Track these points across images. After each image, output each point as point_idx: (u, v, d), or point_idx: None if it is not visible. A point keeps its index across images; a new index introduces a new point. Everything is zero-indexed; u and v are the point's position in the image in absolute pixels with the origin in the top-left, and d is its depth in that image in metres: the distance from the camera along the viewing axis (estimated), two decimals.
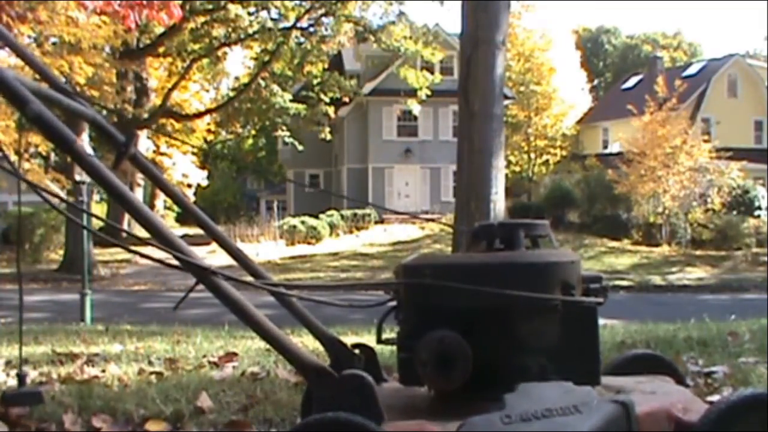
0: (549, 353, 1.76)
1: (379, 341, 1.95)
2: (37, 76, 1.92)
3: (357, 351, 1.93)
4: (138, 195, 32.91)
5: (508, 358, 1.73)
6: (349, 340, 2.06)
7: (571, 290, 1.78)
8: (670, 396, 1.83)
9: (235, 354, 3.71)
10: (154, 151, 33.08)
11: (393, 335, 1.91)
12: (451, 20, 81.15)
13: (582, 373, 1.74)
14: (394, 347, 1.87)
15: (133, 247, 1.92)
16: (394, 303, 1.89)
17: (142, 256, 1.82)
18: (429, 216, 31.86)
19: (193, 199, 37.30)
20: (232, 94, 31.35)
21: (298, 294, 2.09)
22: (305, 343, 4.34)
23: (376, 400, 1.65)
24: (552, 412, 1.56)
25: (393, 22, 23.93)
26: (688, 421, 1.69)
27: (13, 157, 14.98)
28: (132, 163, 1.87)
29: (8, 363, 3.59)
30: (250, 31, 23.05)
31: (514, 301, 1.71)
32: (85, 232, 14.45)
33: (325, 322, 2.03)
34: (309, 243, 27.44)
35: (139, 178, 27.19)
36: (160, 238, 1.65)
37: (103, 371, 3.16)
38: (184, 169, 35.00)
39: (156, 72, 29.01)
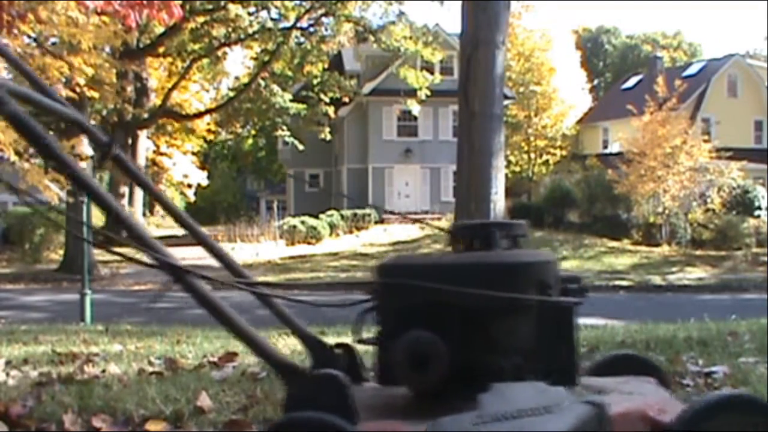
0: (525, 353, 1.75)
1: (359, 341, 1.95)
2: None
3: (338, 351, 1.93)
4: (138, 195, 32.90)
5: (484, 358, 1.73)
6: (333, 340, 2.06)
7: (548, 290, 1.77)
8: (647, 397, 1.82)
9: (235, 354, 3.70)
10: (154, 151, 33.09)
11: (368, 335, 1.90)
12: (451, 20, 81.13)
13: (558, 374, 1.74)
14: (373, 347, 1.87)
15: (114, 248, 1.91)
16: (371, 303, 1.88)
17: (121, 255, 1.81)
18: (429, 218, 31.86)
19: (193, 198, 37.27)
20: (232, 94, 31.35)
21: (279, 294, 2.08)
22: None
23: (351, 399, 1.64)
24: (522, 412, 1.55)
25: (393, 22, 23.93)
26: (662, 421, 1.69)
27: (13, 158, 14.96)
28: (115, 163, 1.87)
29: (8, 363, 3.59)
30: (250, 31, 23.05)
31: (490, 301, 1.70)
32: (85, 232, 14.41)
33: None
34: (309, 243, 27.44)
35: None
36: (135, 237, 1.65)
37: (103, 371, 3.16)
38: (184, 169, 35.01)
39: (156, 72, 29.00)
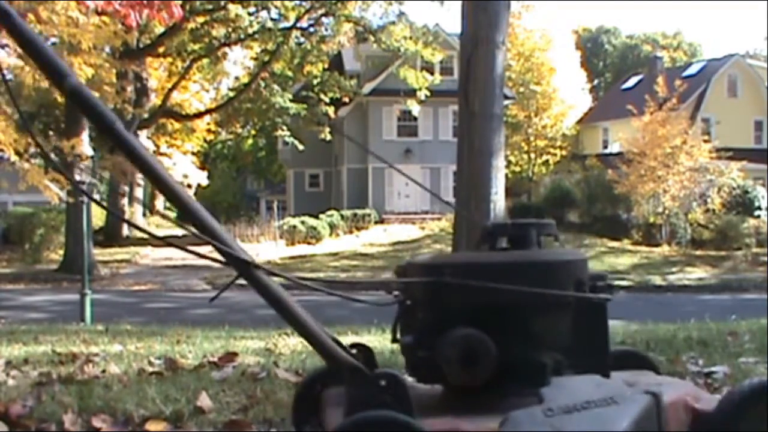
0: (564, 348, 1.79)
1: (394, 340, 1.96)
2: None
3: (355, 351, 1.94)
4: (138, 195, 32.93)
5: (529, 354, 1.75)
6: (348, 339, 2.06)
7: (583, 287, 1.81)
8: (682, 387, 1.86)
9: (235, 354, 3.70)
10: (154, 152, 33.08)
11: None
12: (451, 20, 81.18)
13: (594, 367, 1.78)
14: (396, 346, 1.89)
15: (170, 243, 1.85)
16: (407, 302, 1.90)
17: (185, 250, 1.78)
18: (429, 218, 31.85)
19: None
20: (232, 94, 31.34)
21: (340, 293, 2.06)
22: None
23: (409, 397, 1.66)
24: (591, 404, 1.59)
25: (393, 22, 23.93)
26: (700, 409, 1.72)
27: (13, 158, 14.96)
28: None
29: (8, 363, 3.59)
30: (250, 31, 23.05)
31: (533, 298, 1.73)
32: (84, 231, 14.43)
33: (326, 322, 2.03)
34: (309, 243, 27.45)
35: (139, 178, 27.20)
36: (202, 228, 1.64)
37: (103, 371, 3.16)
38: (184, 169, 35.03)
39: (156, 72, 29.00)
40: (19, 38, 1.50)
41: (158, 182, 1.61)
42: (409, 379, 1.89)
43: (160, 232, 27.17)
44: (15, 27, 1.49)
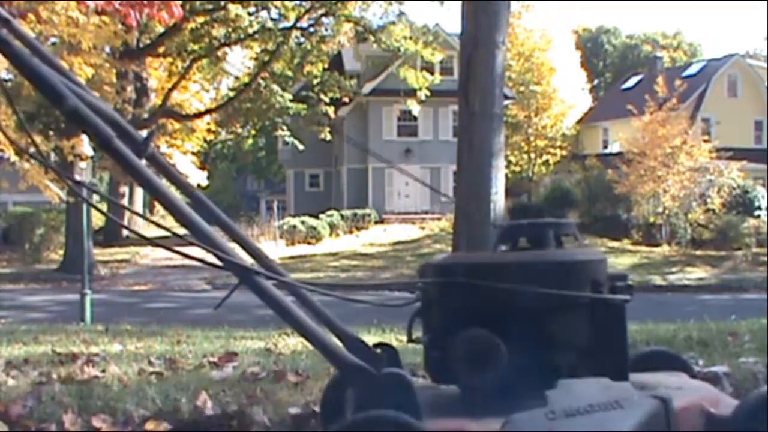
0: (580, 350, 1.77)
1: (410, 340, 1.96)
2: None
3: (379, 350, 1.94)
4: (138, 196, 32.93)
5: (541, 355, 1.74)
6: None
7: (600, 288, 1.79)
8: (699, 391, 1.84)
9: (235, 354, 3.70)
10: None
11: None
12: (451, 20, 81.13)
13: (611, 370, 1.76)
14: (417, 346, 1.89)
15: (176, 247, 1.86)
16: (419, 302, 1.89)
17: (185, 256, 1.79)
18: (428, 219, 31.84)
19: None
20: (232, 94, 31.31)
21: (337, 294, 2.06)
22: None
23: (416, 398, 1.66)
24: (594, 407, 1.58)
25: (393, 22, 23.91)
26: (720, 415, 1.70)
27: (13, 158, 14.96)
28: (150, 162, 1.86)
29: (8, 363, 3.59)
30: (250, 31, 23.04)
31: (547, 299, 1.72)
32: (84, 231, 14.43)
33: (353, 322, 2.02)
34: (309, 243, 27.44)
35: None
36: (200, 236, 1.65)
37: (103, 371, 3.16)
38: (184, 169, 34.96)
39: (156, 72, 28.96)
40: (18, 64, 1.53)
41: (159, 195, 1.63)
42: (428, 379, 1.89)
43: (162, 233, 27.18)
44: (13, 53, 1.53)
